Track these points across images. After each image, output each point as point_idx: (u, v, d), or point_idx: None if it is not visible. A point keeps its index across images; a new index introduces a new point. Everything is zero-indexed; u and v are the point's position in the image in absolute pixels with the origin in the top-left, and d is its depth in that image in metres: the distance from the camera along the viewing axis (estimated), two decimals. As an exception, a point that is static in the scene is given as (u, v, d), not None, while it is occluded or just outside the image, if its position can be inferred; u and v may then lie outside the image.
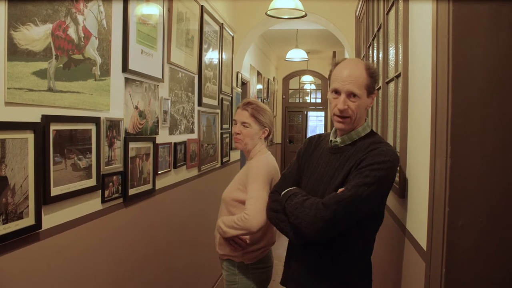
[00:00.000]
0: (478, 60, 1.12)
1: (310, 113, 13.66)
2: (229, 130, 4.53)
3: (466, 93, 1.12)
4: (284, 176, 1.82)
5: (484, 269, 1.13)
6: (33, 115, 1.51)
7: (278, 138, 10.72)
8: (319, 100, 11.42)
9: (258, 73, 7.47)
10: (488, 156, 1.12)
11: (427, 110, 1.34)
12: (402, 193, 1.75)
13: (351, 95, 1.54)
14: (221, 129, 4.18)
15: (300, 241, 1.59)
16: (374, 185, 1.43)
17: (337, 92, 1.57)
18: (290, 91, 11.44)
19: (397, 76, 2.02)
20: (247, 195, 1.96)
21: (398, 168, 1.83)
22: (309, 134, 14.40)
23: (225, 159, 4.34)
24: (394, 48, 2.14)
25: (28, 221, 1.47)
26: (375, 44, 2.89)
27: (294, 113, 11.72)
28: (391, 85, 2.24)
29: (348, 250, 1.57)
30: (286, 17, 3.89)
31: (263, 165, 2.04)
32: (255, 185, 1.93)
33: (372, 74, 1.57)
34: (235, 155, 4.88)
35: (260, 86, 7.72)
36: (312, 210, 1.47)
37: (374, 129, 2.87)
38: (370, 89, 1.57)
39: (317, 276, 1.61)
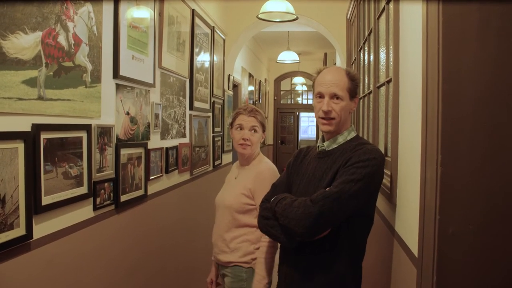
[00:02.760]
0: (468, 69, 1.13)
1: (302, 114, 13.71)
2: (221, 133, 4.53)
3: (456, 103, 1.13)
4: (274, 186, 1.85)
5: (475, 277, 1.14)
6: (23, 124, 1.50)
7: (270, 140, 10.73)
8: (310, 101, 11.45)
9: (250, 75, 7.47)
10: (478, 165, 1.13)
11: (418, 118, 1.35)
12: (393, 198, 1.76)
13: (334, 97, 1.63)
14: (213, 132, 4.18)
15: (292, 244, 1.60)
16: (361, 181, 1.47)
17: (321, 96, 1.66)
18: (282, 93, 11.47)
19: (388, 82, 2.03)
20: None
21: (390, 173, 1.85)
22: (301, 135, 14.48)
23: (217, 162, 4.33)
24: (385, 53, 2.16)
25: (19, 231, 1.46)
26: (366, 48, 2.90)
27: (285, 114, 11.75)
28: (382, 90, 2.26)
29: (338, 253, 1.58)
30: (277, 20, 3.90)
31: (276, 178, 2.00)
32: None
33: (352, 78, 1.66)
34: (227, 158, 4.88)
35: (251, 88, 7.73)
36: (300, 208, 1.50)
37: (365, 133, 2.89)
38: (352, 93, 1.65)
39: (308, 279, 1.62)
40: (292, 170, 1.83)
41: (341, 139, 1.66)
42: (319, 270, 1.60)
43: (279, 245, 2.02)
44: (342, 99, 1.62)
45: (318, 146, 1.71)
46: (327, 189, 1.51)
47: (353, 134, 1.68)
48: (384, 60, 2.18)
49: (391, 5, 1.96)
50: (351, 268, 1.61)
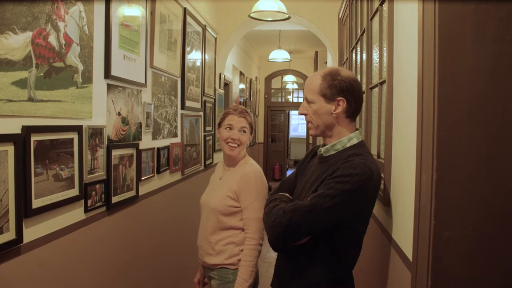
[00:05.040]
0: (464, 73, 1.13)
1: (292, 112, 13.70)
2: (212, 132, 4.51)
3: (452, 107, 1.13)
4: (282, 182, 1.86)
5: (470, 281, 1.15)
6: (13, 127, 1.47)
7: (260, 138, 10.71)
8: (301, 100, 11.44)
9: (241, 73, 7.45)
10: (474, 169, 1.13)
11: (413, 122, 1.35)
12: (387, 201, 1.76)
13: (307, 100, 1.62)
14: (204, 131, 4.16)
15: (272, 247, 1.60)
16: (337, 198, 1.40)
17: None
18: (273, 91, 11.45)
19: (382, 83, 2.03)
20: (248, 213, 2.02)
21: (383, 176, 1.84)
22: (291, 133, 14.47)
23: (208, 162, 4.31)
24: (378, 55, 2.16)
25: (9, 235, 1.43)
26: (359, 48, 2.90)
27: (276, 113, 11.74)
28: (375, 91, 2.26)
29: (315, 262, 1.55)
30: (269, 19, 3.88)
31: (261, 180, 2.09)
32: (259, 204, 1.98)
33: (329, 81, 1.55)
34: (218, 157, 4.86)
35: (242, 86, 7.70)
36: (273, 216, 1.50)
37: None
38: (327, 95, 1.55)
39: (290, 280, 1.63)
40: (300, 169, 1.81)
41: (339, 146, 1.58)
42: (295, 275, 1.60)
43: (262, 247, 2.04)
44: (313, 102, 1.58)
45: (318, 150, 1.67)
46: (303, 200, 1.49)
47: (354, 141, 1.58)
48: (377, 61, 2.18)
49: (385, 6, 1.95)
50: (329, 278, 1.55)
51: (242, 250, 2.03)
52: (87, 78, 1.90)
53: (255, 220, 1.98)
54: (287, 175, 7.63)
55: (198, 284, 2.33)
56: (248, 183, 2.05)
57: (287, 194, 1.71)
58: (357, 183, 1.41)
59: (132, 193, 2.41)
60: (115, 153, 2.19)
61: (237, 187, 2.05)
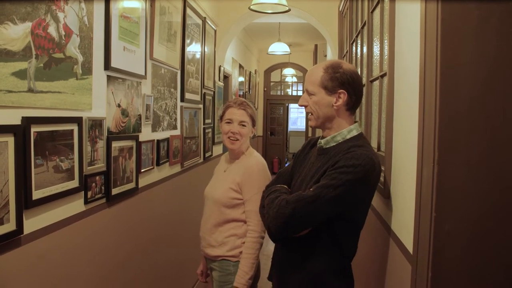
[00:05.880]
0: (466, 67, 1.13)
1: (292, 105, 13.68)
2: (212, 125, 4.50)
3: (454, 101, 1.13)
4: (278, 174, 1.85)
5: (470, 274, 1.15)
6: (13, 117, 1.46)
7: (259, 131, 10.72)
8: (300, 93, 11.43)
9: (240, 66, 7.43)
10: (475, 162, 1.13)
11: (414, 114, 1.35)
12: (387, 194, 1.76)
13: (307, 92, 1.62)
14: (204, 124, 4.15)
15: (272, 238, 1.60)
16: (340, 188, 1.41)
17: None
18: (272, 84, 11.43)
19: (382, 76, 2.02)
20: (250, 205, 2.03)
21: (383, 169, 1.85)
22: (290, 126, 14.45)
23: (207, 154, 4.31)
24: (379, 47, 2.15)
25: (9, 226, 1.43)
26: (359, 41, 2.89)
27: (275, 106, 11.73)
28: (376, 84, 2.25)
29: (316, 253, 1.56)
30: (269, 11, 3.86)
31: (264, 173, 2.11)
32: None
33: (331, 73, 1.56)
34: (217, 150, 4.86)
35: (242, 79, 7.69)
36: (276, 207, 1.50)
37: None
38: (328, 87, 1.56)
39: (288, 272, 1.64)
40: (297, 160, 1.81)
41: (339, 138, 1.59)
42: (296, 267, 1.61)
43: (264, 239, 2.05)
44: (314, 94, 1.59)
45: (319, 142, 1.67)
46: (306, 191, 1.49)
47: (354, 133, 1.59)
48: (378, 54, 2.17)
49: (386, -1, 1.94)
50: (329, 269, 1.57)
51: (244, 243, 2.04)
52: (87, 70, 1.89)
53: (258, 212, 1.99)
54: (286, 168, 7.62)
55: (201, 275, 2.35)
56: (251, 176, 2.06)
57: (285, 186, 1.71)
58: (360, 174, 1.43)
59: (131, 185, 2.41)
60: (115, 145, 2.19)
61: (240, 179, 2.07)
